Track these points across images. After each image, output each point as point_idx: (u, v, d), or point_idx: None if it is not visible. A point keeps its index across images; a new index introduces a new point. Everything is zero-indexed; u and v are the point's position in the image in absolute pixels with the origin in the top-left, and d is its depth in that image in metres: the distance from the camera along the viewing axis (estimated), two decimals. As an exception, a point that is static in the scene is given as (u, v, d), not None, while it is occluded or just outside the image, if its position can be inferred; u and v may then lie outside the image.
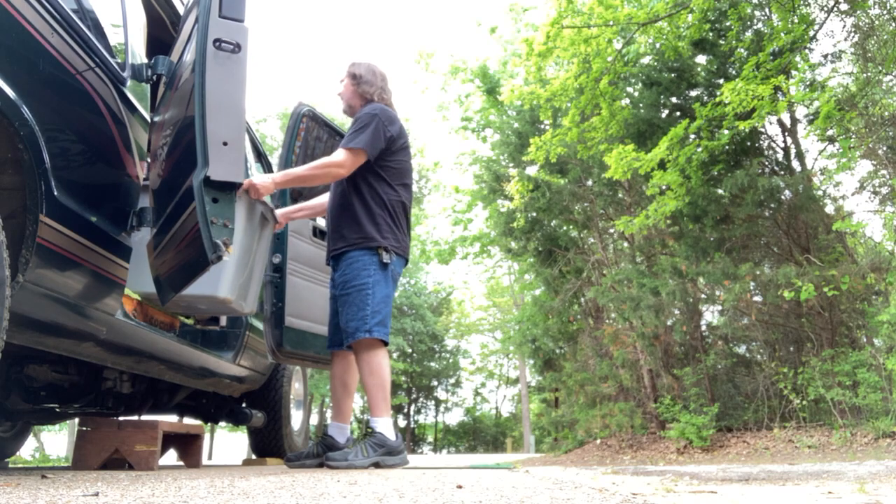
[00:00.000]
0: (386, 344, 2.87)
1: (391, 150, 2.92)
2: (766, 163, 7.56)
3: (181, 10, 2.98)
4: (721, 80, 7.02)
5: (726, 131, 6.17)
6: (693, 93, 7.81)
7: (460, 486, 1.53)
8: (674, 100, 7.94)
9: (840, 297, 6.20)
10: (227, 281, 2.51)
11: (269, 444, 4.44)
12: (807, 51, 6.24)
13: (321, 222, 4.10)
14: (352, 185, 2.92)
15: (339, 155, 2.82)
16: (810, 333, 6.71)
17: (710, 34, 7.24)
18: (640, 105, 7.73)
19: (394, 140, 2.93)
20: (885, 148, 6.43)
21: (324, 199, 3.37)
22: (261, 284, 2.89)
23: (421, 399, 32.04)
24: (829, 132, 6.59)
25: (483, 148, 11.65)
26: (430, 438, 32.41)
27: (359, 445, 2.77)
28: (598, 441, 8.05)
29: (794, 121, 7.53)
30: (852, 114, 5.88)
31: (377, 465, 2.72)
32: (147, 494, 1.37)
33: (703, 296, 7.61)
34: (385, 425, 2.81)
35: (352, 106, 3.09)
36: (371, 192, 2.88)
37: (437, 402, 32.60)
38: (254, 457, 4.71)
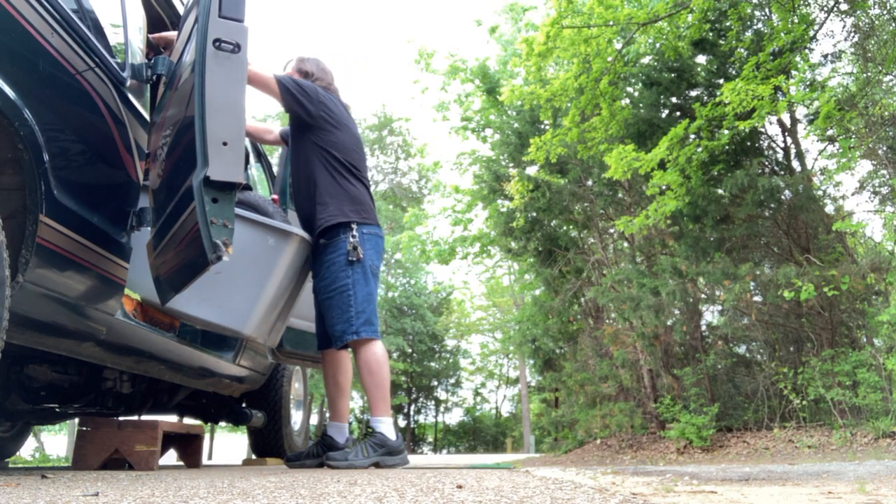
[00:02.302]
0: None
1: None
2: (766, 163, 7.56)
3: (181, 10, 2.98)
4: (721, 80, 7.01)
5: (726, 131, 6.17)
6: (693, 93, 7.81)
7: (460, 487, 1.53)
8: (674, 100, 7.93)
9: (840, 297, 6.19)
10: (255, 319, 2.54)
11: (269, 444, 4.44)
12: (807, 51, 6.24)
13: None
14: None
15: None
16: (810, 333, 6.71)
17: (710, 34, 7.23)
18: (640, 105, 7.73)
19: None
20: (885, 148, 6.43)
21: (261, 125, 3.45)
22: (288, 318, 2.90)
23: (421, 399, 32.03)
24: (829, 132, 6.59)
25: (483, 148, 11.63)
26: (430, 438, 32.41)
27: (359, 445, 2.77)
28: (598, 441, 8.05)
29: (794, 121, 7.52)
30: (852, 114, 5.87)
31: (377, 465, 2.73)
32: (147, 494, 1.37)
33: (703, 296, 7.60)
34: (385, 425, 2.80)
35: None
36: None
37: (437, 402, 32.60)
38: (254, 457, 4.71)
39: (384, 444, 2.75)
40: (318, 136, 2.92)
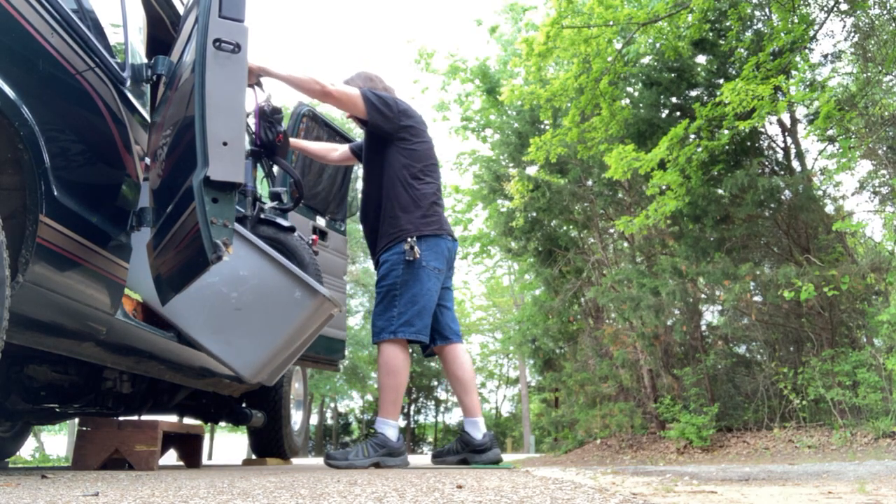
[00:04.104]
0: (419, 343, 2.89)
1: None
2: (766, 163, 7.56)
3: (181, 10, 2.99)
4: (721, 80, 7.01)
5: (726, 131, 6.17)
6: (693, 93, 7.81)
7: (460, 487, 1.53)
8: (674, 100, 7.93)
9: (840, 297, 6.19)
10: (258, 365, 2.53)
11: (269, 444, 4.44)
12: (807, 51, 6.23)
13: (321, 222, 4.10)
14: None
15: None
16: (810, 333, 6.71)
17: (710, 34, 7.23)
18: (640, 105, 7.73)
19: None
20: (885, 148, 6.43)
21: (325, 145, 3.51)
22: (291, 363, 2.90)
23: (421, 399, 32.03)
24: (829, 132, 6.59)
25: (483, 148, 11.64)
26: (430, 438, 32.41)
27: (360, 445, 2.79)
28: (598, 441, 8.05)
29: (794, 121, 7.53)
30: (852, 114, 5.87)
31: (377, 466, 2.73)
32: (147, 494, 1.37)
33: (703, 296, 7.60)
34: (389, 427, 2.81)
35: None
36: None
37: (437, 402, 32.61)
38: (254, 457, 4.71)
39: (385, 445, 2.76)
40: (397, 146, 2.94)
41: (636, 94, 8.09)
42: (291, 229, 3.04)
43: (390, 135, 2.93)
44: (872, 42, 6.07)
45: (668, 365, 7.71)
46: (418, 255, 2.81)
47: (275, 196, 3.19)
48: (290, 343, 2.61)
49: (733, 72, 7.00)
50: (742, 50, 6.88)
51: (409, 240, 2.82)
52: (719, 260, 6.79)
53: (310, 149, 3.48)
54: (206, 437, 7.95)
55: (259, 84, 2.91)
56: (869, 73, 5.99)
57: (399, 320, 2.80)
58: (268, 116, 2.92)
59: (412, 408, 31.35)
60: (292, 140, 3.32)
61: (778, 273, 6.08)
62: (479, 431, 2.96)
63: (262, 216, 2.98)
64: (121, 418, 3.06)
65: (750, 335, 7.22)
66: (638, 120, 7.42)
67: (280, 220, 3.01)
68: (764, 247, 7.65)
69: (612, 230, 9.10)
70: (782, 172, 7.30)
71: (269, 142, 2.94)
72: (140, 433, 2.68)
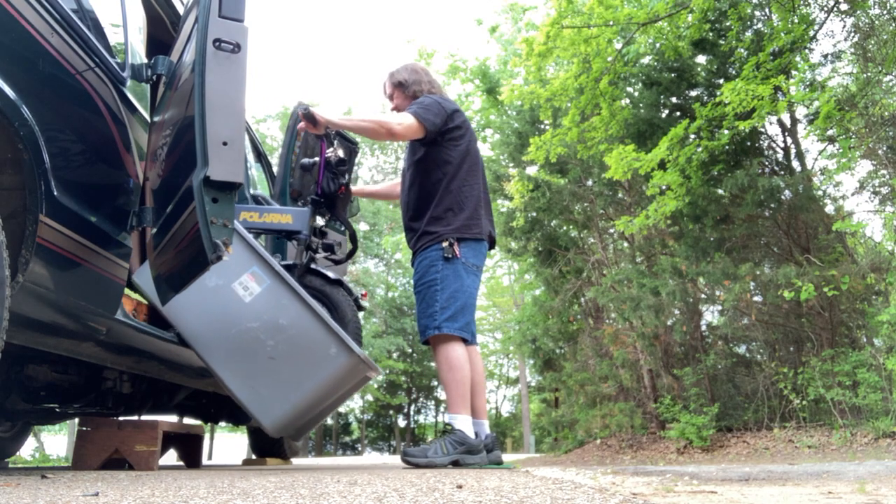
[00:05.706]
0: (465, 340, 2.82)
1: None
2: (766, 163, 7.56)
3: (181, 10, 2.98)
4: (721, 80, 7.02)
5: (726, 131, 6.17)
6: (693, 93, 7.81)
7: (460, 487, 1.53)
8: (674, 100, 7.93)
9: (840, 297, 6.20)
10: (284, 419, 2.48)
11: (269, 444, 4.44)
12: (807, 51, 6.24)
13: (319, 222, 4.09)
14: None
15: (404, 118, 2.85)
16: (810, 333, 6.71)
17: (710, 34, 7.24)
18: (640, 105, 7.73)
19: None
20: (885, 148, 6.43)
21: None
22: (320, 421, 2.87)
23: (421, 399, 32.04)
24: (829, 132, 6.59)
25: (483, 148, 11.65)
26: (430, 438, 32.38)
27: (438, 442, 2.69)
28: (598, 441, 8.05)
29: (794, 121, 7.53)
30: (852, 114, 5.87)
31: (456, 464, 2.66)
32: (147, 494, 1.37)
33: (703, 296, 7.61)
34: (464, 422, 2.74)
35: None
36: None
37: (437, 402, 32.60)
38: (254, 457, 4.71)
39: (464, 442, 2.69)
40: (445, 146, 2.92)
41: (636, 94, 8.09)
42: (338, 282, 2.99)
43: (438, 142, 2.91)
44: (872, 42, 6.07)
45: (668, 365, 7.71)
46: (458, 254, 2.80)
47: (328, 248, 3.16)
48: (319, 401, 2.53)
49: (733, 72, 7.01)
50: (742, 50, 6.88)
51: (449, 238, 2.82)
52: (719, 260, 6.80)
53: (377, 191, 3.51)
54: (206, 437, 7.95)
55: (328, 136, 2.88)
56: (869, 73, 5.99)
57: (442, 315, 2.75)
58: (333, 167, 2.89)
59: (412, 408, 31.36)
60: (354, 188, 3.29)
61: (778, 273, 6.08)
62: (483, 433, 2.94)
63: (312, 266, 2.95)
64: (121, 418, 3.05)
65: (750, 335, 7.23)
66: (638, 120, 7.42)
67: (329, 273, 2.98)
68: (764, 247, 7.65)
69: (612, 230, 9.10)
70: (782, 172, 7.30)
71: (331, 193, 2.91)
72: (140, 433, 2.68)
